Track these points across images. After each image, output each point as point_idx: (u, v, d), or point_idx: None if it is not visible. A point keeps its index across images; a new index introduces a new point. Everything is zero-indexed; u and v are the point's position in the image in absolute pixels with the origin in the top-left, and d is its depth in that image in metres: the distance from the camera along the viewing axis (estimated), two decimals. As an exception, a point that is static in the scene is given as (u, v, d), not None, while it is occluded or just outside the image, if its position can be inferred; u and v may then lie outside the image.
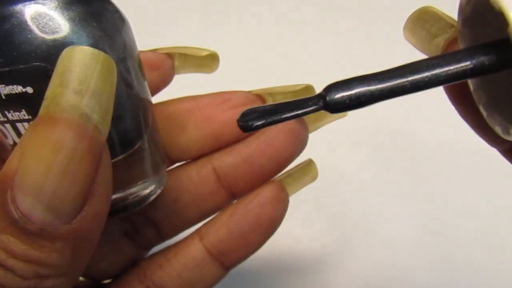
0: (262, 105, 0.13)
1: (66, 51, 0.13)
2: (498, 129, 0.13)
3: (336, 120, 0.22)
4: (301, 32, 0.42)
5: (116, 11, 0.15)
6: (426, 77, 0.12)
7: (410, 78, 0.12)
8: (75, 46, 0.13)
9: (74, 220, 0.13)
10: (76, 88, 0.13)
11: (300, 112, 0.12)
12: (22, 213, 0.12)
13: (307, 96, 0.13)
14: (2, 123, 0.15)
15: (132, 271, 0.22)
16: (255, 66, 0.38)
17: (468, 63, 0.12)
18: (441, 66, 0.12)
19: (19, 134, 0.15)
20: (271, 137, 0.21)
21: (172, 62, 0.21)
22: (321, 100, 0.12)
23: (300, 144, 0.21)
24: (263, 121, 0.13)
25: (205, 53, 0.22)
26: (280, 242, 0.32)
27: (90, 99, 0.13)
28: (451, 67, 0.12)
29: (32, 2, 0.14)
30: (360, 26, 0.42)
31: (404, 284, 0.31)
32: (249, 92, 0.22)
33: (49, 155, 0.13)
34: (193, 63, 0.22)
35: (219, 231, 0.21)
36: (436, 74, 0.12)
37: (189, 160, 0.22)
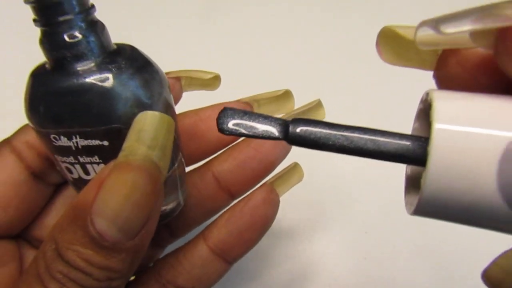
0: (238, 110, 0.14)
1: (140, 115, 0.17)
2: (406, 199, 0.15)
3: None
4: (282, 40, 0.44)
5: (158, 71, 0.19)
6: (369, 151, 0.13)
7: (356, 146, 0.13)
8: (147, 111, 0.17)
9: (136, 238, 0.17)
10: (149, 144, 0.17)
11: (262, 133, 0.14)
12: (99, 233, 0.17)
13: (278, 117, 0.14)
14: (72, 164, 0.19)
15: (149, 271, 0.25)
16: (243, 71, 0.40)
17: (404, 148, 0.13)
18: (385, 146, 0.13)
19: (86, 172, 0.19)
20: (260, 143, 0.25)
21: (180, 84, 0.25)
22: (284, 129, 0.14)
23: (284, 148, 0.25)
24: (235, 131, 0.14)
25: (209, 76, 0.26)
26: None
27: (158, 151, 0.17)
28: (391, 148, 0.13)
29: (107, 73, 0.17)
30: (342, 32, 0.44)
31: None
32: (239, 101, 0.26)
33: (126, 191, 0.17)
34: (198, 83, 0.26)
35: (219, 232, 0.25)
36: (378, 151, 0.13)
37: (193, 169, 0.26)
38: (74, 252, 0.17)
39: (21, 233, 0.24)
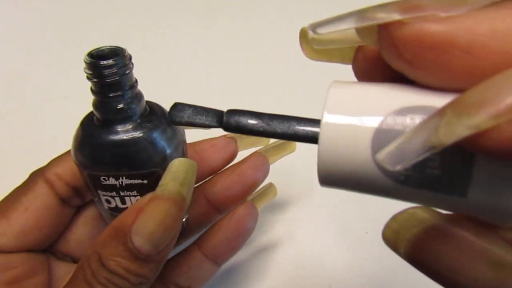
0: (186, 104, 0.17)
1: (174, 161, 0.23)
2: None
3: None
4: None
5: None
6: (284, 134, 0.15)
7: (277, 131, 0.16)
8: (179, 158, 0.23)
9: (162, 252, 0.23)
10: (181, 182, 0.23)
11: (203, 123, 0.16)
12: (136, 248, 0.22)
13: (217, 109, 0.16)
14: (113, 197, 0.24)
15: None
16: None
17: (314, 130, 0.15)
18: (294, 127, 0.15)
19: (123, 202, 0.25)
20: (243, 170, 0.31)
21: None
22: (219, 119, 0.16)
23: (263, 174, 0.32)
24: (183, 121, 0.16)
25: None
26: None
27: (187, 188, 0.23)
28: (300, 129, 0.15)
29: (145, 131, 0.23)
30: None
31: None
32: (226, 136, 0.32)
33: (161, 217, 0.23)
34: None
35: (210, 240, 0.30)
36: (291, 134, 0.15)
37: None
38: (115, 262, 0.22)
39: (48, 247, 0.29)
